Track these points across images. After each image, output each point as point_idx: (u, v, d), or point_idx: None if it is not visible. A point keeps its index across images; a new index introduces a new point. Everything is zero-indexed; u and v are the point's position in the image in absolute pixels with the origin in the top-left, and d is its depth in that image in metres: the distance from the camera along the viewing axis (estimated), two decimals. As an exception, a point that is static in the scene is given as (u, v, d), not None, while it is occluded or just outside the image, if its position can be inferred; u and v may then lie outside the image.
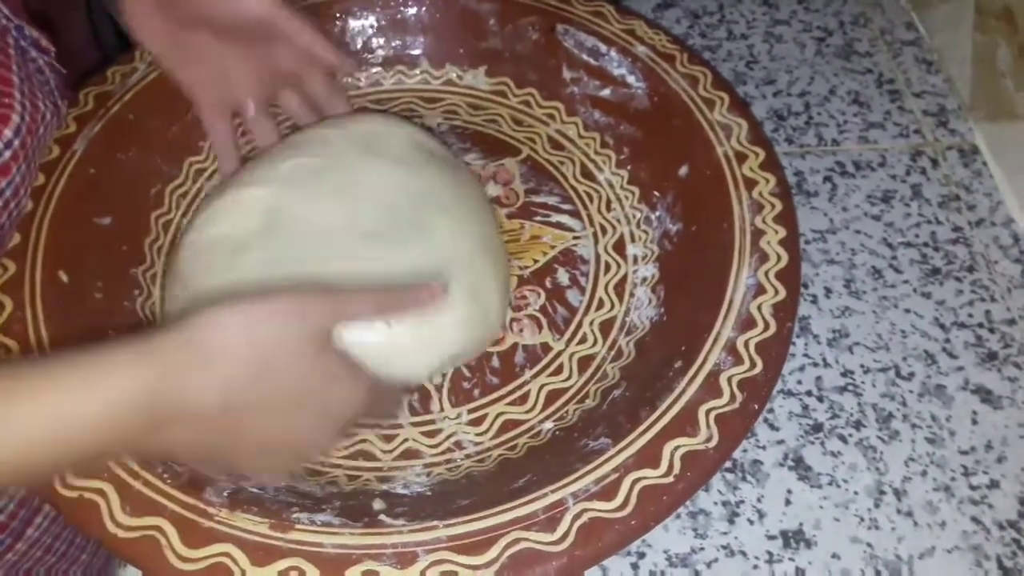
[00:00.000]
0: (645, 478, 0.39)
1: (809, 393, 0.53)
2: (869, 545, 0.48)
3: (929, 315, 0.56)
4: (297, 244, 0.48)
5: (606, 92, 0.58)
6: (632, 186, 0.57)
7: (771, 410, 0.53)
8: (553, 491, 0.38)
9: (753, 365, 0.42)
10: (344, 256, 0.47)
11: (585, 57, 0.58)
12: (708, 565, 0.47)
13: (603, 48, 0.57)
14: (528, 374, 0.49)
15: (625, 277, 0.53)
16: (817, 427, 0.52)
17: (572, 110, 0.60)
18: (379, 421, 0.47)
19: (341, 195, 0.50)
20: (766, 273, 0.46)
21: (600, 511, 0.38)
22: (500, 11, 0.60)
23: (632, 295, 0.52)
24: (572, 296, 0.53)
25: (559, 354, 0.50)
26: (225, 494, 0.39)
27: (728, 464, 0.43)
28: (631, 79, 0.57)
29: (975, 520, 0.48)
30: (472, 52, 0.62)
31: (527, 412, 0.48)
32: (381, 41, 0.62)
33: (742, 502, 0.49)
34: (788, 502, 0.49)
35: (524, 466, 0.43)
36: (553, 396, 0.48)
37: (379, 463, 0.46)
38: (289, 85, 0.55)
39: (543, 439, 0.46)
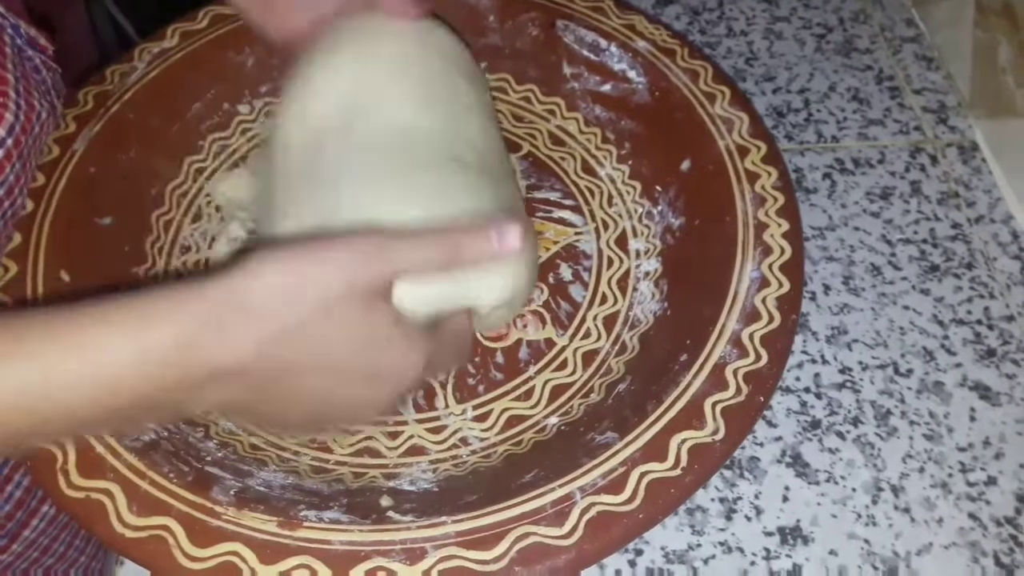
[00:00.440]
0: (652, 471, 0.39)
1: (807, 390, 0.54)
2: (866, 541, 0.48)
3: (928, 312, 0.57)
4: (377, 147, 0.44)
5: (607, 87, 0.58)
6: (634, 181, 0.57)
7: (769, 407, 0.53)
8: (561, 485, 0.39)
9: (758, 358, 0.43)
10: (420, 169, 0.44)
11: (585, 52, 0.58)
12: (705, 562, 0.47)
13: (603, 43, 0.57)
14: (532, 370, 0.49)
15: (628, 272, 0.53)
16: (815, 424, 0.52)
17: (573, 106, 0.60)
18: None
19: (429, 106, 0.47)
20: (770, 266, 0.46)
21: (608, 505, 0.38)
22: (500, 7, 0.60)
23: (635, 290, 0.52)
24: (575, 291, 0.53)
25: (563, 349, 0.50)
26: (232, 493, 0.39)
27: (725, 461, 0.43)
28: (632, 74, 0.57)
29: (972, 516, 0.49)
30: (472, 48, 0.62)
31: (532, 407, 0.48)
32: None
33: (739, 499, 0.49)
34: (786, 499, 0.49)
35: (530, 461, 0.43)
36: (558, 391, 0.48)
37: (385, 460, 0.46)
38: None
39: (549, 434, 0.46)
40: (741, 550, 0.47)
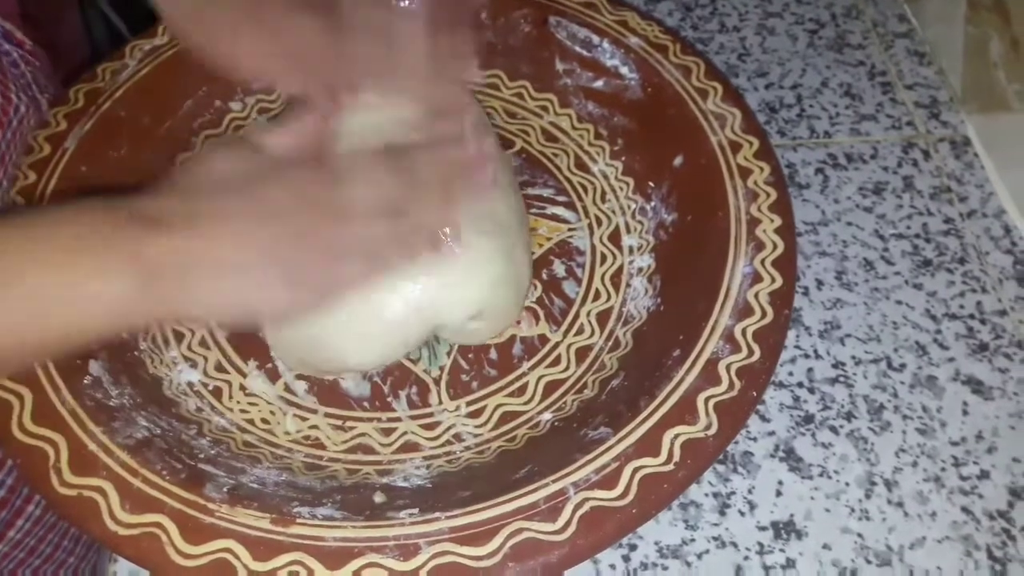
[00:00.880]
0: (645, 466, 0.39)
1: (800, 385, 0.54)
2: (860, 536, 0.48)
3: (920, 306, 0.57)
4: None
5: (599, 83, 0.58)
6: (627, 177, 0.57)
7: (762, 402, 0.53)
8: (554, 481, 0.39)
9: (751, 353, 0.43)
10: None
11: (578, 49, 0.58)
12: (699, 556, 0.47)
13: (596, 39, 0.57)
14: (526, 365, 0.49)
15: (621, 268, 0.53)
16: (808, 418, 0.52)
17: (565, 102, 0.60)
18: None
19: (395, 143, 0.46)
20: (762, 261, 0.46)
21: (601, 500, 0.38)
22: (492, 4, 0.59)
23: (629, 285, 0.52)
24: (568, 287, 0.53)
25: (557, 345, 0.50)
26: (225, 490, 0.39)
27: (719, 456, 0.43)
28: (624, 70, 0.57)
29: (965, 510, 0.49)
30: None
31: (526, 403, 0.48)
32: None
33: (733, 493, 0.49)
34: (779, 493, 0.49)
35: (524, 457, 0.43)
36: (551, 387, 0.48)
37: (378, 456, 0.46)
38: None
39: (542, 430, 0.46)
40: (735, 545, 0.48)
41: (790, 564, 0.47)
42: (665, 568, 0.47)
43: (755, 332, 0.44)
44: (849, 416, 0.52)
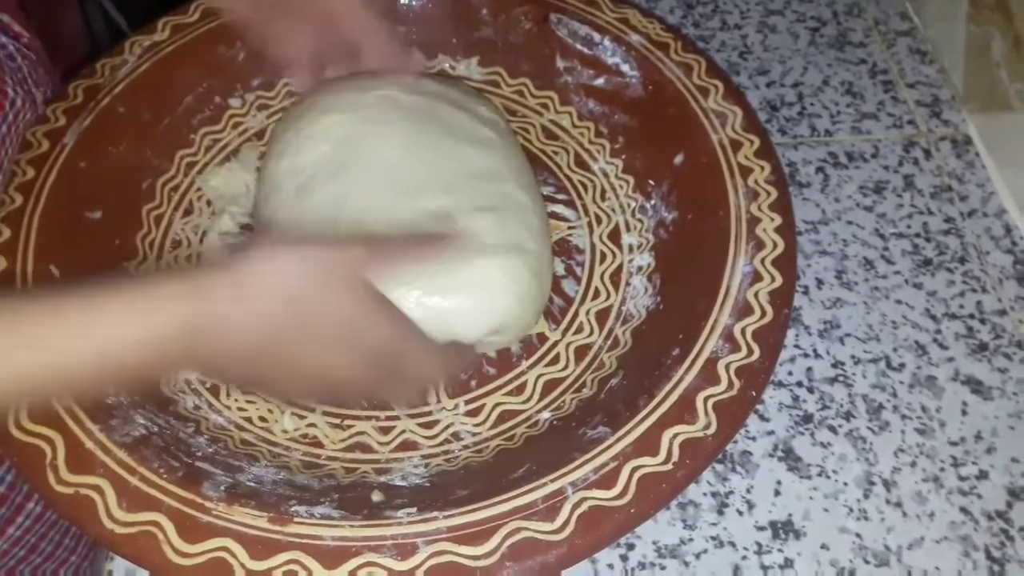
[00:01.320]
0: (644, 466, 0.39)
1: (800, 384, 0.54)
2: (858, 536, 0.48)
3: (920, 306, 0.57)
4: (368, 184, 0.49)
5: (600, 81, 0.58)
6: (627, 175, 0.56)
7: (761, 401, 0.53)
8: (552, 480, 0.38)
9: (750, 352, 0.43)
10: (411, 206, 0.48)
11: (579, 46, 0.58)
12: (697, 556, 0.47)
13: (597, 37, 0.57)
14: (525, 364, 0.49)
15: (621, 266, 0.53)
16: (807, 418, 0.52)
17: (566, 100, 0.60)
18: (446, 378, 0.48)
19: (423, 142, 0.50)
20: (762, 260, 0.46)
21: (599, 500, 0.38)
22: (493, 1, 0.59)
23: (628, 284, 0.52)
24: (568, 286, 0.53)
25: (555, 344, 0.50)
26: (223, 488, 0.39)
27: (717, 456, 0.43)
28: (625, 68, 0.57)
29: (964, 510, 0.49)
30: (465, 42, 0.61)
31: (524, 402, 0.48)
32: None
33: (731, 493, 0.49)
34: (777, 493, 0.49)
35: (522, 456, 0.43)
36: (550, 386, 0.48)
37: (377, 455, 0.46)
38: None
39: (541, 429, 0.46)
40: (733, 544, 0.48)
41: (788, 564, 0.47)
42: (663, 568, 0.47)
43: (755, 331, 0.43)
44: (848, 416, 0.52)
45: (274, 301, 0.36)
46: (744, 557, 0.47)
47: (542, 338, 0.50)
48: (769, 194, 0.49)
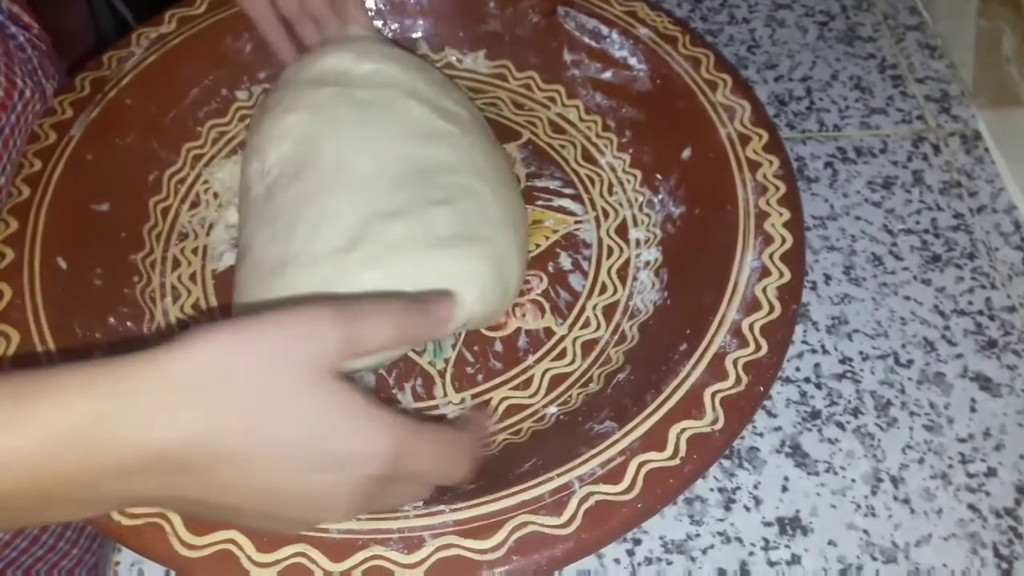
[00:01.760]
0: (651, 461, 0.39)
1: (807, 380, 0.53)
2: (866, 532, 0.48)
3: (929, 302, 0.56)
4: (324, 185, 0.47)
5: (607, 75, 0.58)
6: (634, 169, 0.56)
7: (769, 397, 0.53)
8: (559, 475, 0.38)
9: (758, 347, 0.42)
10: (367, 205, 0.46)
11: (586, 39, 0.58)
12: (704, 552, 0.47)
13: (604, 30, 0.57)
14: (531, 359, 0.49)
15: (628, 261, 0.53)
16: (815, 414, 0.52)
17: (573, 93, 0.60)
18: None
19: (378, 136, 0.49)
20: (771, 255, 0.46)
21: (606, 494, 0.38)
22: (501, -7, 0.59)
23: (635, 279, 0.52)
24: (575, 280, 0.52)
25: (562, 339, 0.50)
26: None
27: (725, 451, 0.43)
28: (633, 61, 0.56)
29: (972, 508, 0.48)
30: (472, 35, 0.61)
31: (531, 397, 0.48)
32: (380, 24, 0.61)
33: (738, 489, 0.49)
34: (785, 489, 0.49)
35: (529, 450, 0.43)
36: (557, 381, 0.48)
37: (382, 448, 0.46)
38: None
39: (547, 423, 0.46)
40: (740, 540, 0.47)
41: (795, 560, 0.47)
42: (670, 563, 0.47)
43: (762, 327, 0.43)
44: (856, 412, 0.52)
45: (213, 398, 0.28)
46: (751, 553, 0.47)
47: (549, 332, 0.50)
48: (778, 189, 0.49)
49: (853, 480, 0.49)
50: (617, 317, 0.51)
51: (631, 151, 0.57)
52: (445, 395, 0.48)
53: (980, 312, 0.56)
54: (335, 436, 0.30)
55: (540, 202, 0.56)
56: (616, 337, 0.50)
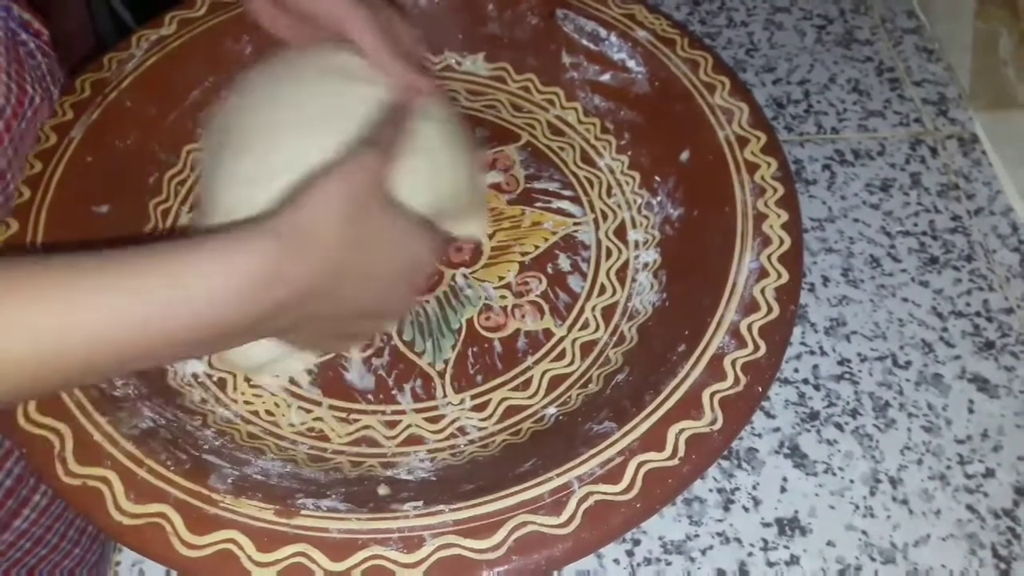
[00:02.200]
0: (650, 461, 0.39)
1: (806, 381, 0.54)
2: (864, 533, 0.48)
3: (927, 304, 0.57)
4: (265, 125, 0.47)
5: (606, 77, 0.58)
6: (633, 171, 0.56)
7: (767, 398, 0.53)
8: (558, 475, 0.39)
9: (757, 348, 0.43)
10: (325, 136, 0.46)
11: (585, 42, 0.58)
12: (703, 552, 0.47)
13: (603, 33, 0.57)
14: (530, 360, 0.49)
15: (627, 263, 0.53)
16: (813, 415, 0.52)
17: (572, 95, 0.60)
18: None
19: (317, 99, 0.48)
20: (769, 257, 0.46)
21: (606, 494, 0.38)
22: (500, -4, 0.59)
23: (634, 280, 0.52)
24: (574, 282, 0.53)
25: (561, 340, 0.50)
26: (230, 481, 0.39)
27: (723, 452, 0.43)
28: (631, 64, 0.57)
29: (970, 508, 0.49)
30: (471, 37, 0.61)
31: (530, 397, 0.48)
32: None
33: (737, 489, 0.49)
34: (783, 490, 0.49)
35: (528, 451, 0.43)
36: (556, 381, 0.48)
37: (383, 449, 0.46)
38: None
39: (547, 424, 0.46)
40: (739, 541, 0.48)
41: (794, 561, 0.47)
42: (669, 563, 0.47)
43: (761, 328, 0.43)
44: (854, 413, 0.52)
45: (340, 225, 0.37)
46: (750, 554, 0.47)
47: (548, 334, 0.50)
48: (776, 190, 0.49)
49: (852, 481, 0.50)
50: (616, 318, 0.51)
51: (630, 153, 0.57)
52: (445, 396, 0.48)
53: (978, 314, 0.56)
54: (409, 243, 0.41)
55: (539, 204, 0.56)
56: (615, 338, 0.50)
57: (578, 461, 0.39)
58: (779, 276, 0.45)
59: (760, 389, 0.42)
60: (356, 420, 0.47)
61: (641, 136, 0.57)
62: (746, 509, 0.49)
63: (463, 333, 0.50)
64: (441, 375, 0.49)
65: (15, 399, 0.40)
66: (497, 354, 0.50)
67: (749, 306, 0.44)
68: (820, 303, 0.57)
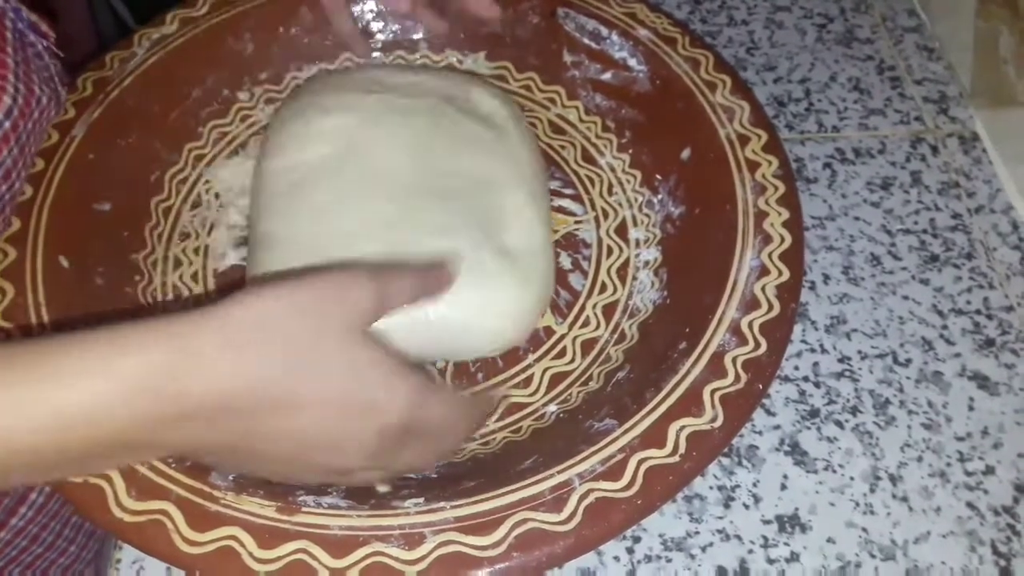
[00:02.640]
0: (651, 458, 0.39)
1: (806, 379, 0.54)
2: (864, 530, 0.48)
3: (927, 302, 0.57)
4: (361, 194, 0.48)
5: (607, 76, 0.58)
6: (634, 170, 0.57)
7: (768, 395, 0.53)
8: (559, 472, 0.39)
9: (757, 346, 0.43)
10: (409, 214, 0.47)
11: (586, 41, 0.58)
12: (703, 549, 0.47)
13: (604, 31, 0.57)
14: (531, 357, 0.49)
15: (627, 261, 0.53)
16: (814, 413, 0.52)
17: (573, 94, 0.60)
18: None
19: (420, 145, 0.50)
20: (769, 254, 0.46)
21: (606, 491, 0.38)
22: (501, -5, 0.59)
23: (635, 278, 0.52)
24: (575, 280, 0.53)
25: (562, 337, 0.50)
26: (231, 478, 0.39)
27: (724, 449, 0.43)
28: (632, 62, 0.57)
29: (970, 505, 0.49)
30: (472, 36, 0.61)
31: (531, 395, 0.48)
32: (380, 25, 0.62)
33: (738, 487, 0.49)
34: (784, 487, 0.49)
35: (529, 448, 0.43)
36: (557, 379, 0.48)
37: (383, 446, 0.46)
38: None
39: (547, 422, 0.46)
40: (739, 538, 0.48)
41: (794, 558, 0.47)
42: (669, 560, 0.47)
43: (761, 325, 0.43)
44: (855, 411, 0.52)
45: (271, 348, 0.31)
46: (750, 551, 0.47)
47: (549, 332, 0.50)
48: (776, 189, 0.49)
49: (852, 478, 0.50)
50: (617, 316, 0.51)
51: (631, 151, 0.57)
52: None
53: (978, 311, 0.56)
54: (366, 385, 0.33)
55: (540, 202, 0.56)
56: (616, 336, 0.50)
57: (579, 458, 0.39)
58: (780, 274, 0.45)
59: (761, 386, 0.42)
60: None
61: (642, 134, 0.57)
62: (746, 506, 0.49)
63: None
64: (442, 373, 0.49)
65: None
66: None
67: (750, 304, 0.44)
68: (821, 301, 0.57)
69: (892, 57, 0.70)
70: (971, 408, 0.52)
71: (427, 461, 0.39)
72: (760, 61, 0.70)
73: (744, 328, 0.43)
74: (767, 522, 0.48)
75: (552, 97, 0.60)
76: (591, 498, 0.38)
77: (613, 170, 0.57)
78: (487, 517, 0.37)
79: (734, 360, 0.42)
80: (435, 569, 0.36)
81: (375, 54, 0.61)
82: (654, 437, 0.40)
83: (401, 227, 0.47)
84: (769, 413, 0.52)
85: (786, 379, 0.54)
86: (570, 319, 0.51)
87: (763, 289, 0.45)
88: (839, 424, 0.52)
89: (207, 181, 0.56)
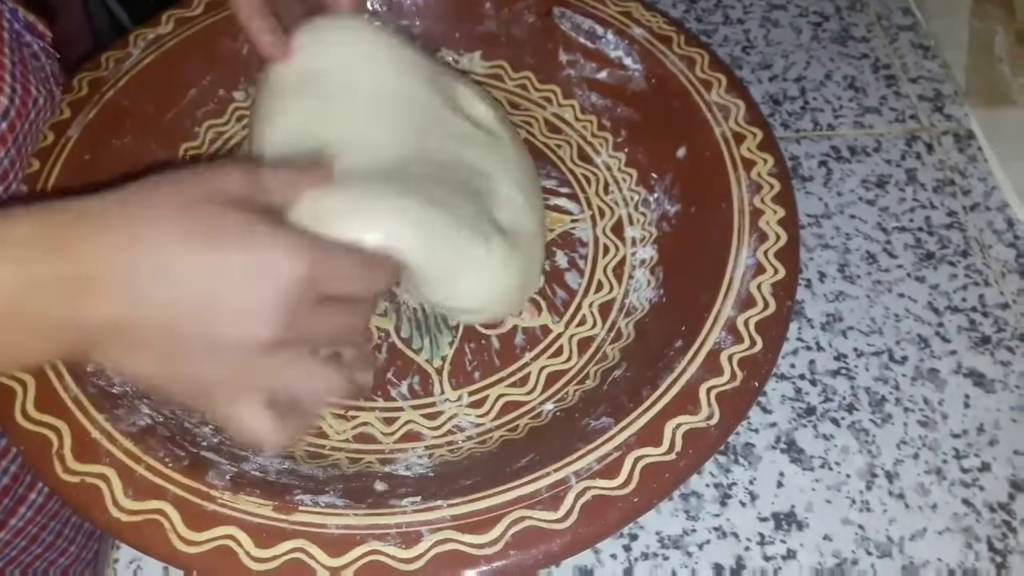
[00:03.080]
0: (647, 456, 0.39)
1: (802, 376, 0.54)
2: (860, 527, 0.48)
3: (923, 299, 0.57)
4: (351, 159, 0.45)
5: (603, 74, 0.58)
6: (630, 168, 0.57)
7: (764, 393, 0.53)
8: (556, 470, 0.39)
9: (753, 344, 0.43)
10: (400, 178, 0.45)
11: (582, 39, 0.58)
12: (700, 547, 0.47)
13: (600, 30, 0.57)
14: (528, 356, 0.49)
15: (624, 259, 0.53)
16: (810, 410, 0.52)
17: (569, 93, 0.60)
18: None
19: (417, 130, 0.48)
20: (765, 252, 0.46)
21: (603, 489, 0.38)
22: (497, -6, 0.60)
23: (631, 277, 0.52)
24: (571, 279, 0.53)
25: (559, 336, 0.50)
26: (228, 477, 0.39)
27: (720, 446, 0.43)
28: (628, 61, 0.57)
29: (966, 502, 0.49)
30: (468, 35, 0.62)
31: (528, 394, 0.48)
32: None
33: (734, 484, 0.49)
34: (780, 484, 0.50)
35: (526, 446, 0.43)
36: (553, 378, 0.48)
37: (380, 446, 0.46)
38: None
39: (544, 420, 0.46)
40: (736, 535, 0.48)
41: (791, 555, 0.47)
42: (666, 558, 0.47)
43: (757, 323, 0.44)
44: (851, 408, 0.52)
45: (146, 221, 0.32)
46: (747, 548, 0.47)
47: (545, 330, 0.51)
48: (772, 187, 0.49)
49: (848, 475, 0.50)
50: (613, 315, 0.51)
51: (626, 150, 0.57)
52: (442, 392, 0.48)
53: (973, 309, 0.56)
54: (248, 245, 0.33)
55: (536, 201, 0.56)
56: (612, 334, 0.50)
57: (575, 456, 0.39)
58: (776, 272, 0.45)
59: (757, 384, 0.42)
60: (354, 417, 0.47)
61: (638, 133, 0.57)
62: (743, 504, 0.49)
63: (461, 330, 0.50)
64: (439, 372, 0.49)
65: None
66: (495, 351, 0.50)
67: (746, 302, 0.44)
68: (816, 299, 0.57)
69: (887, 56, 0.70)
70: (967, 405, 0.52)
71: (352, 327, 0.38)
72: (755, 59, 0.70)
73: (740, 326, 0.43)
74: (763, 519, 0.48)
75: (548, 96, 0.60)
76: (588, 496, 0.38)
77: (609, 169, 0.57)
78: (484, 515, 0.37)
79: (730, 358, 0.42)
80: (432, 567, 0.36)
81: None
82: (650, 435, 0.40)
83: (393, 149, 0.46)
84: (765, 411, 0.52)
85: (782, 377, 0.54)
86: (566, 318, 0.51)
87: (759, 287, 0.45)
88: (835, 422, 0.52)
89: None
